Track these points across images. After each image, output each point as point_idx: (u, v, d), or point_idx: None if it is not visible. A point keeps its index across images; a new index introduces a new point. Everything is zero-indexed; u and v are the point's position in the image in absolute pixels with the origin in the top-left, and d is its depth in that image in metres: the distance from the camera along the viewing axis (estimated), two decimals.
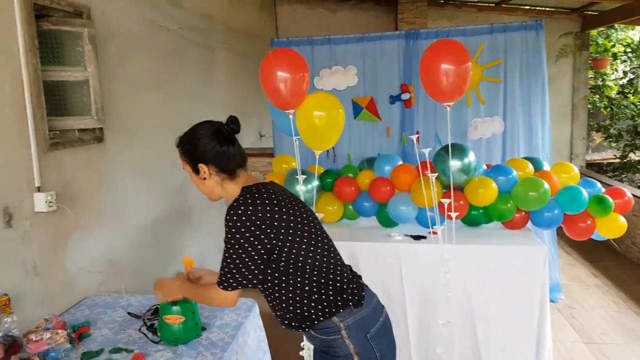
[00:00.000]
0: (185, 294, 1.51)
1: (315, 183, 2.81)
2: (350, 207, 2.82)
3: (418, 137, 3.64)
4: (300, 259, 1.30)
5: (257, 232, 1.26)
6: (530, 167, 2.65)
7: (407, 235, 2.55)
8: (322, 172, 2.99)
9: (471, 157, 2.46)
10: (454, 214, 1.72)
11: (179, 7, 3.07)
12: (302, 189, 2.72)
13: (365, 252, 2.48)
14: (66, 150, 1.96)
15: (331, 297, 1.31)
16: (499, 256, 2.35)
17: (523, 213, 2.54)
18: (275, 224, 1.27)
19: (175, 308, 1.58)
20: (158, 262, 2.78)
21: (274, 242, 1.28)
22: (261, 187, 1.34)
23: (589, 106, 5.56)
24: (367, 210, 2.76)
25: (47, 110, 1.83)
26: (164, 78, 2.87)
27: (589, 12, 5.13)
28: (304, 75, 1.45)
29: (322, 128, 1.58)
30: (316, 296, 1.30)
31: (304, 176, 1.76)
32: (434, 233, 2.19)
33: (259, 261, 1.28)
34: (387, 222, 2.71)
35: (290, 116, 1.57)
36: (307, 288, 1.30)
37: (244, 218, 1.25)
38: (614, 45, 5.49)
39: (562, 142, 5.37)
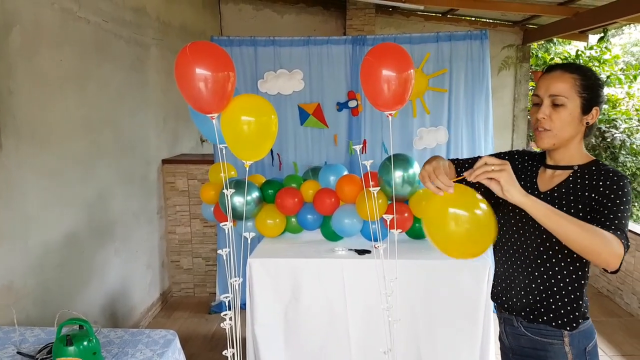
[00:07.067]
0: (540, 207, 1.03)
1: (256, 194, 2.62)
2: (294, 219, 2.65)
3: (364, 146, 3.58)
4: None
5: None
6: None
7: (351, 249, 2.41)
8: (263, 182, 2.80)
9: (416, 167, 2.37)
10: (396, 232, 1.59)
11: None
12: (241, 201, 2.52)
13: (308, 269, 2.32)
14: None
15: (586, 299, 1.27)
16: (441, 271, 2.27)
17: None
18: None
19: (71, 348, 1.32)
20: (69, 286, 2.43)
21: None
22: None
23: (529, 117, 5.77)
24: (311, 223, 2.60)
25: None
26: (83, 76, 2.54)
27: (530, 26, 5.32)
28: (229, 74, 1.25)
29: (251, 135, 1.39)
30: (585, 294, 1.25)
31: (232, 190, 1.56)
32: (377, 247, 2.08)
33: None
34: (332, 235, 2.57)
35: (214, 121, 1.37)
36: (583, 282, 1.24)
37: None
38: (552, 59, 5.74)
39: None
